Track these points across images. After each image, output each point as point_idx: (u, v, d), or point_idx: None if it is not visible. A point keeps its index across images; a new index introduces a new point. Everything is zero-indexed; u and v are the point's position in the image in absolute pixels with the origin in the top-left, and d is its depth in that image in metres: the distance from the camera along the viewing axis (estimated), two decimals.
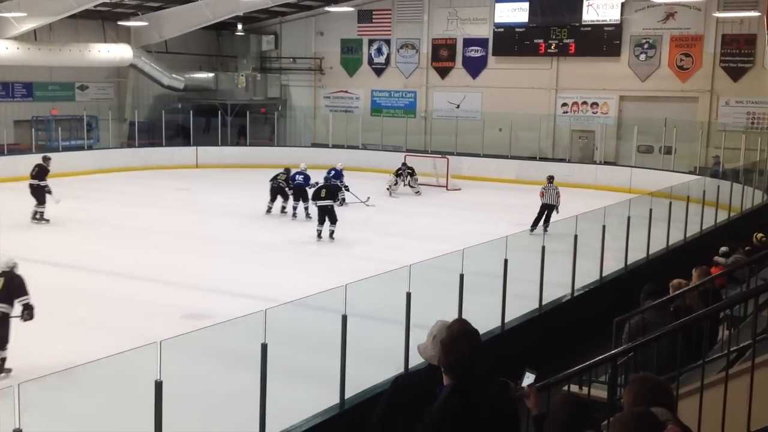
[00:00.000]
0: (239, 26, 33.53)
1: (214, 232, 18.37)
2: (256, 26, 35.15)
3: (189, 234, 18.17)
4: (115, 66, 30.76)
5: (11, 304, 9.49)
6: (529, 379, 3.95)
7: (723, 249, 12.83)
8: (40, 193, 18.90)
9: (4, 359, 9.48)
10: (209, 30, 33.19)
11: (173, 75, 31.55)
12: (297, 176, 20.45)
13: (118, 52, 29.77)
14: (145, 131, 31.38)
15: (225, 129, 31.90)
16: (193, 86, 32.81)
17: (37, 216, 18.86)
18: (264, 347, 6.51)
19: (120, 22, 30.23)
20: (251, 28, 34.83)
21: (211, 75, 33.69)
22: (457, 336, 3.40)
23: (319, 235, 17.71)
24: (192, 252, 16.34)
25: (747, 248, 13.64)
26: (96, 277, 14.12)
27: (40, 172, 19.23)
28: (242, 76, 33.62)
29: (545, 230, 17.81)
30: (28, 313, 9.47)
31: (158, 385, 5.64)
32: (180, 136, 31.96)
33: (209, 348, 8.43)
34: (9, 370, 9.49)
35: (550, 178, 19.75)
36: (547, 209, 18.88)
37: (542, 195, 19.24)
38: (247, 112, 32.21)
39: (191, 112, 31.55)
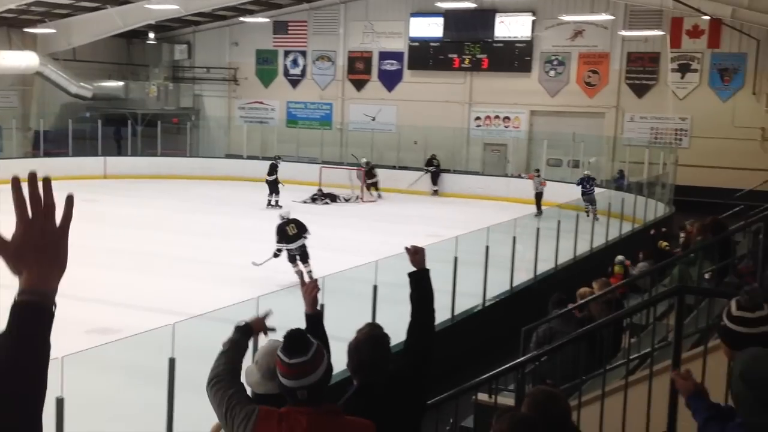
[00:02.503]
0: (151, 35, 32.91)
1: (122, 244, 17.92)
2: (169, 35, 34.58)
3: (96, 246, 17.63)
4: (21, 73, 29.74)
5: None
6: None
7: (619, 258, 13.28)
8: (274, 186, 24.30)
9: (311, 271, 14.23)
10: (119, 38, 32.47)
11: (81, 83, 30.70)
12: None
13: (24, 60, 28.79)
14: (51, 141, 30.42)
15: (135, 139, 31.21)
16: (102, 95, 31.98)
17: (272, 203, 23.94)
18: (171, 362, 6.39)
19: (26, 29, 29.27)
20: (163, 37, 34.23)
21: (121, 84, 32.93)
22: (362, 340, 3.47)
23: None
24: (99, 265, 15.87)
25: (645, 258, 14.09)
26: None
27: (272, 169, 24.65)
28: (153, 85, 32.98)
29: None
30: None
31: (59, 402, 5.47)
32: (88, 146, 31.10)
33: (115, 363, 8.21)
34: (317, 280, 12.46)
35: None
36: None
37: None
38: (159, 122, 31.60)
39: (100, 121, 30.77)
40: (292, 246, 14.93)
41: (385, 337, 3.54)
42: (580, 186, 22.70)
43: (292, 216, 15.34)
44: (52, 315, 1.61)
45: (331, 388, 3.86)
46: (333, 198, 25.74)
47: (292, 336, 2.96)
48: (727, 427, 2.94)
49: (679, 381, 3.34)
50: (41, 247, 1.60)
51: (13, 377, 1.50)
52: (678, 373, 3.42)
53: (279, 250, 15.00)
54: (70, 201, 1.65)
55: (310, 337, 2.98)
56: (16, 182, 1.57)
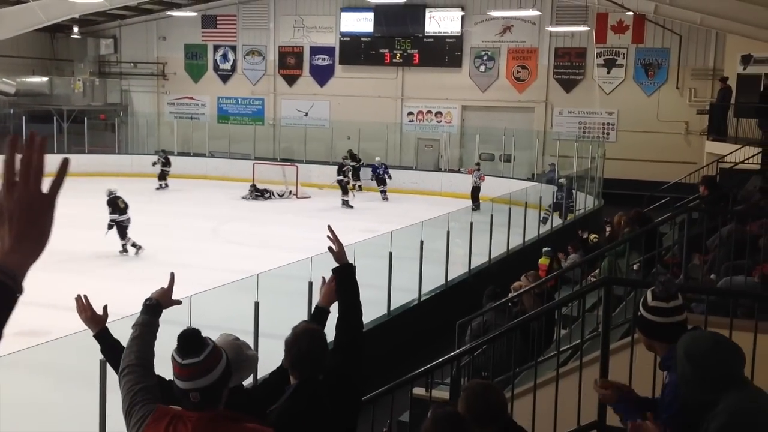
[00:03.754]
0: (75, 29, 32.04)
1: (49, 244, 17.45)
2: (94, 29, 33.75)
3: None
4: None
5: None
6: None
7: (545, 249, 13.55)
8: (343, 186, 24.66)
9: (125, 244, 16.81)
10: (43, 32, 31.55)
11: (3, 79, 29.80)
12: (378, 169, 25.88)
13: None
14: None
15: (61, 136, 30.39)
16: (25, 91, 31.04)
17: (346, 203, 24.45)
18: (103, 363, 6.26)
19: None
20: (88, 31, 33.39)
21: (45, 79, 31.98)
22: (299, 333, 3.48)
23: None
24: None
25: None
26: None
27: (339, 169, 25.04)
28: (79, 80, 32.14)
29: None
30: None
31: None
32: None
33: (45, 366, 8.02)
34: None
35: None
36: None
37: None
38: (86, 119, 30.85)
39: (24, 117, 29.87)
40: (124, 217, 16.81)
41: (322, 332, 3.57)
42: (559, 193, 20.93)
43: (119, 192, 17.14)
44: (13, 299, 1.41)
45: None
46: (266, 194, 25.59)
47: (186, 336, 2.87)
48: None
49: (602, 395, 3.38)
50: (18, 214, 1.40)
51: None
52: (598, 388, 3.47)
53: (113, 221, 16.80)
54: (64, 166, 1.45)
55: (206, 338, 2.91)
56: (13, 141, 1.42)
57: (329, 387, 3.47)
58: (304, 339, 3.45)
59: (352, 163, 27.29)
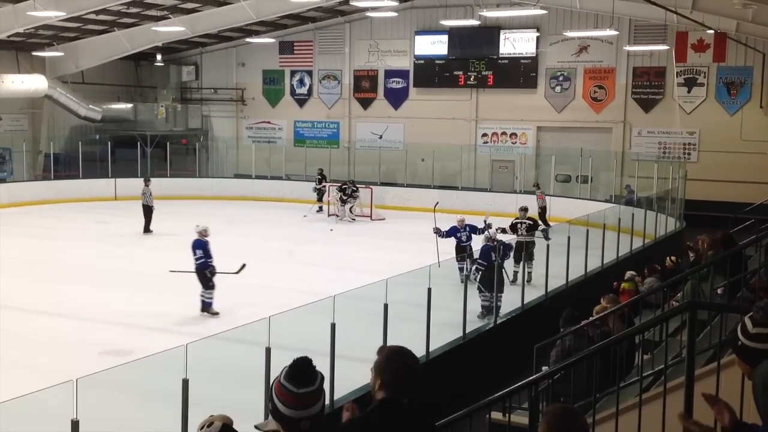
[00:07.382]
0: (158, 57, 33.15)
1: (133, 265, 17.98)
2: (176, 57, 34.83)
3: (107, 268, 17.74)
4: (30, 97, 29.97)
5: None
6: None
7: (630, 273, 13.15)
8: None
9: None
10: (127, 60, 32.71)
11: (90, 106, 30.91)
12: (459, 233, 17.42)
13: (33, 83, 29.02)
14: (62, 163, 30.64)
15: (145, 160, 31.38)
16: (111, 117, 32.18)
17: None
18: (185, 382, 6.40)
19: (35, 53, 29.52)
20: (171, 59, 34.48)
21: (129, 106, 33.13)
22: (396, 352, 3.44)
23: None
24: (110, 287, 15.94)
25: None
26: (10, 314, 13.61)
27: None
28: (162, 106, 33.17)
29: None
30: None
31: (74, 425, 5.49)
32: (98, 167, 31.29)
33: (128, 385, 8.23)
34: None
35: None
36: None
37: None
38: (168, 143, 31.78)
39: (109, 143, 30.97)
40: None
41: (416, 356, 3.55)
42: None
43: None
44: None
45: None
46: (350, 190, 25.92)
47: (301, 365, 2.89)
48: None
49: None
50: None
51: None
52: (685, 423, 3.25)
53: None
54: None
55: (314, 366, 2.93)
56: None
57: (411, 409, 3.45)
58: (402, 357, 3.42)
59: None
